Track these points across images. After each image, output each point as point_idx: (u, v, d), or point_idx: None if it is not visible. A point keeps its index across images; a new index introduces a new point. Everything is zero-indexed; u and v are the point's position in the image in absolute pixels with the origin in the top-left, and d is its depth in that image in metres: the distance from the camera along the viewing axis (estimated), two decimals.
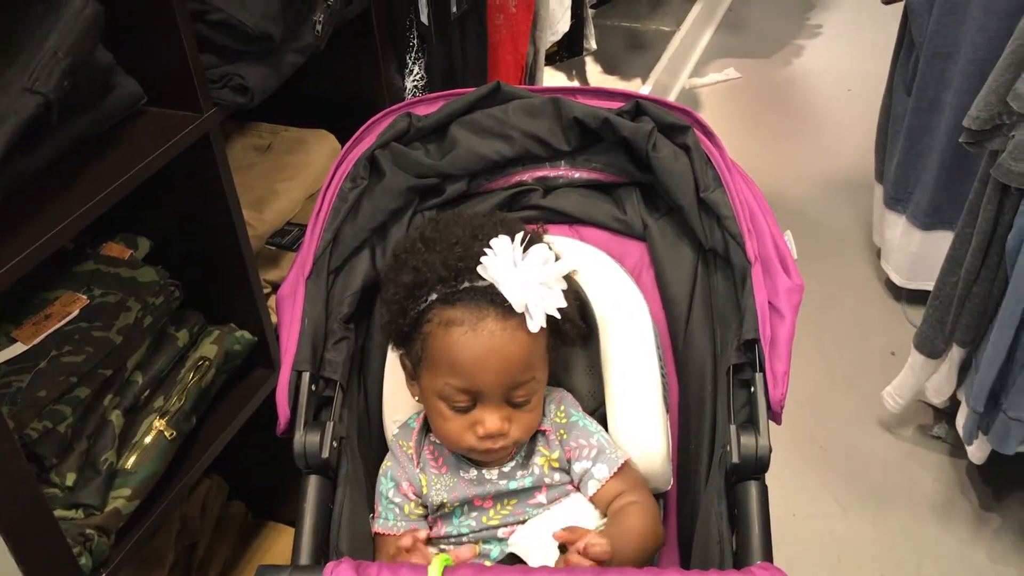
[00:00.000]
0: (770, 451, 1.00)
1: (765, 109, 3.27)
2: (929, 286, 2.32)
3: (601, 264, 1.16)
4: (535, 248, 1.00)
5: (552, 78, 2.89)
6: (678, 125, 1.15)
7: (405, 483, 1.08)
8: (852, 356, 2.33)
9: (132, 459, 1.30)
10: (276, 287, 1.59)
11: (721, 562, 0.98)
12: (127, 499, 1.27)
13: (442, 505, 1.06)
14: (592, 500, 1.06)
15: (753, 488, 0.99)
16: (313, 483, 1.03)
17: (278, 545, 1.73)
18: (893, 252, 2.40)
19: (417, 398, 1.08)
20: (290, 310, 1.11)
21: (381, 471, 1.10)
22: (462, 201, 1.21)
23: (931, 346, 1.86)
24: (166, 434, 1.33)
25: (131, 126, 1.26)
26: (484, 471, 1.06)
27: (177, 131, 1.25)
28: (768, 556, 0.96)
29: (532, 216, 1.20)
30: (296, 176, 1.62)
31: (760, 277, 1.06)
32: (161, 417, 1.34)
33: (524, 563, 0.99)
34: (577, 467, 1.06)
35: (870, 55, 3.22)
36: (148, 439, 1.32)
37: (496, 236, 1.00)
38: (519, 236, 1.00)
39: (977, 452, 1.83)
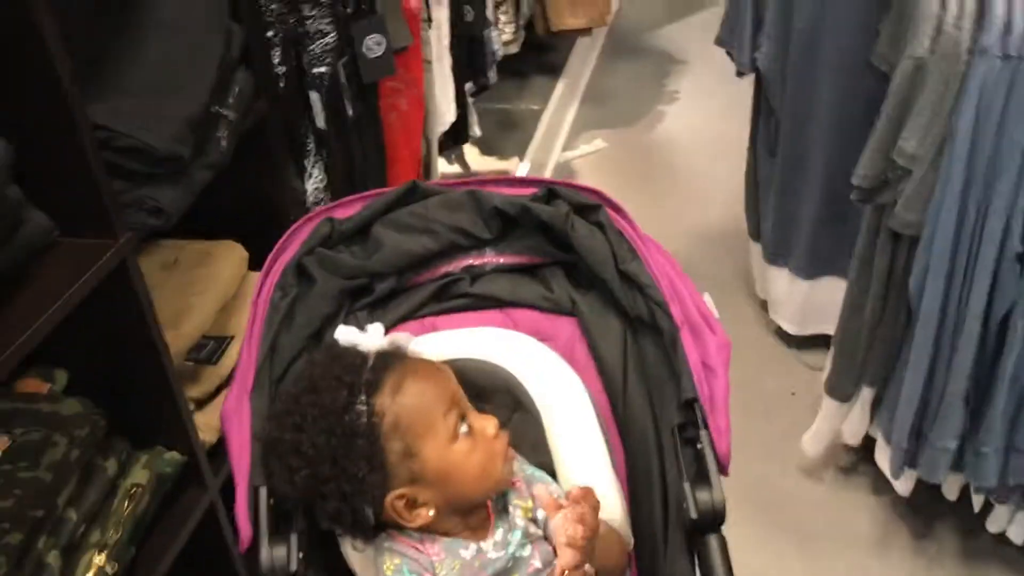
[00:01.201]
0: (724, 503, 1.05)
1: (636, 174, 3.42)
2: (822, 330, 2.45)
3: (532, 351, 1.20)
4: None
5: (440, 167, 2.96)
6: (589, 205, 1.22)
7: (426, 573, 1.05)
8: (756, 402, 2.42)
9: None
10: (198, 403, 1.57)
11: None
12: None
13: None
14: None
15: (714, 541, 1.04)
16: None
17: None
18: (781, 304, 2.49)
19: (432, 512, 1.05)
20: (237, 426, 1.10)
21: (392, 571, 1.05)
22: (393, 298, 1.24)
23: (842, 391, 1.95)
24: (107, 569, 1.29)
25: (45, 259, 1.24)
26: (480, 544, 1.07)
27: (93, 260, 1.24)
28: None
29: (463, 304, 1.24)
30: (208, 289, 1.61)
31: (690, 339, 1.12)
32: (100, 552, 1.29)
33: None
34: (541, 514, 1.10)
35: (726, 114, 3.43)
36: None
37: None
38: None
39: (903, 485, 1.91)
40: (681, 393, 1.09)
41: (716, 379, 1.10)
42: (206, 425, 1.54)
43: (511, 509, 1.10)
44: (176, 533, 1.44)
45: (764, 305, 2.64)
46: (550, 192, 1.22)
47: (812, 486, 2.19)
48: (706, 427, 1.07)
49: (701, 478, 1.07)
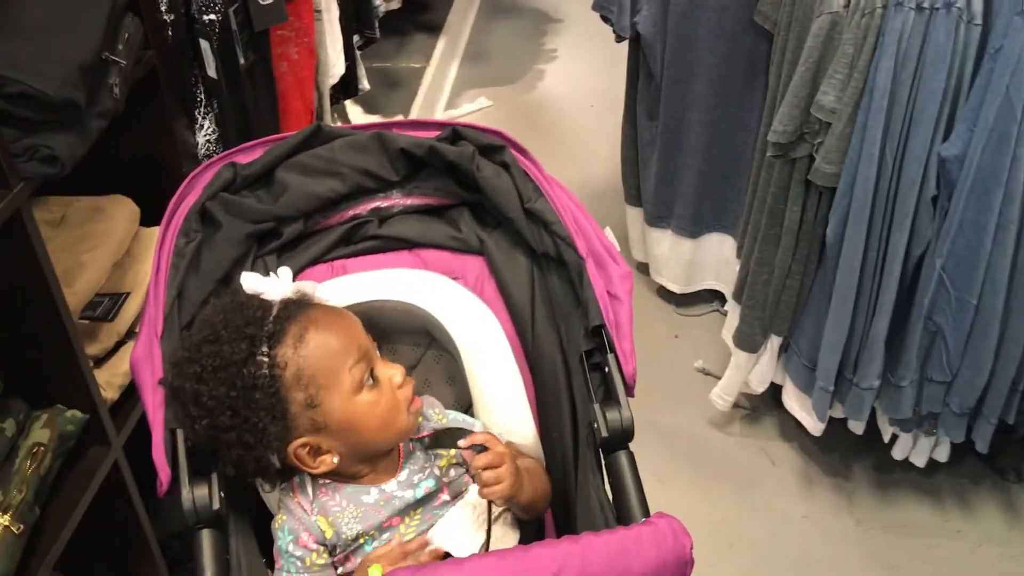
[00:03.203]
0: (632, 421, 1.11)
1: (520, 131, 3.42)
2: (704, 285, 2.55)
3: (445, 289, 1.23)
4: None
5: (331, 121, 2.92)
6: (494, 146, 1.25)
7: (304, 534, 1.07)
8: (646, 346, 2.51)
9: None
10: (97, 360, 1.54)
11: (607, 527, 1.07)
12: None
13: (358, 536, 1.07)
14: None
15: (623, 457, 1.10)
16: (207, 536, 1.02)
17: None
18: (665, 264, 2.55)
19: (336, 459, 1.06)
20: (149, 371, 1.09)
21: (277, 526, 1.09)
22: (301, 241, 1.25)
23: (752, 342, 2.02)
24: (13, 529, 1.26)
25: None
26: (383, 487, 1.09)
27: None
28: (647, 513, 1.06)
29: (372, 246, 1.26)
30: (100, 245, 1.57)
31: (594, 270, 1.17)
32: (4, 512, 1.26)
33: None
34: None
35: (604, 72, 3.51)
36: None
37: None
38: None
39: (817, 426, 2.00)
40: (588, 321, 1.14)
41: (621, 306, 1.16)
42: (106, 383, 1.51)
43: (432, 458, 1.13)
44: (81, 492, 1.41)
45: (641, 267, 2.70)
46: (455, 133, 1.25)
47: (720, 434, 2.27)
48: (613, 351, 1.12)
49: (609, 399, 1.12)
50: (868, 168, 1.66)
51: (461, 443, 1.10)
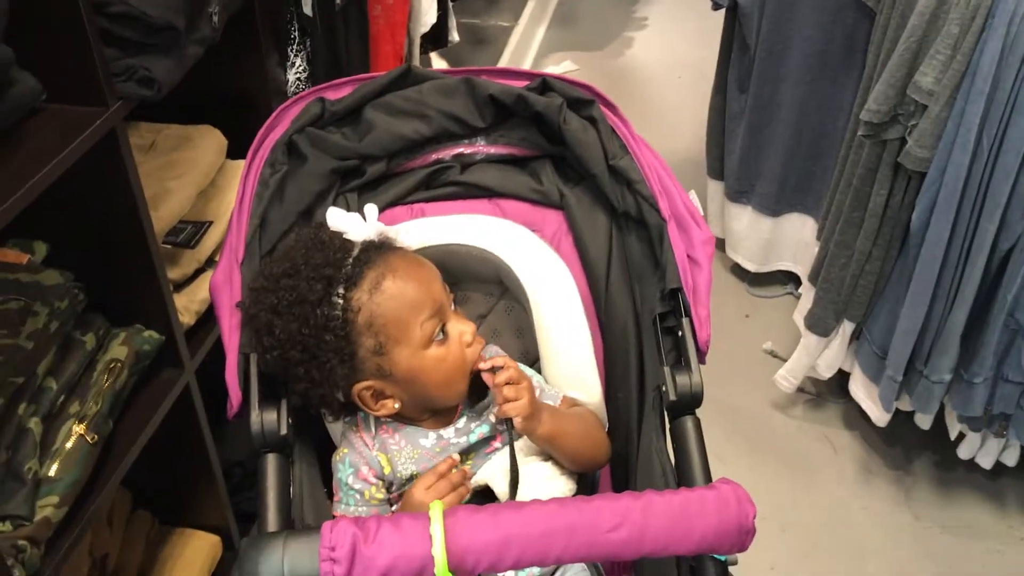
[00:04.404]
0: (702, 386, 1.09)
1: None
2: (780, 266, 2.50)
3: (523, 239, 1.22)
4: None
5: None
6: (583, 99, 1.23)
7: (364, 467, 1.10)
8: (714, 320, 2.48)
9: (55, 466, 1.26)
10: (176, 286, 1.57)
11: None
12: (55, 507, 1.24)
13: (412, 477, 1.10)
14: None
15: (689, 422, 1.08)
16: (272, 461, 1.03)
17: (190, 549, 1.70)
18: (742, 241, 2.51)
19: (398, 404, 1.08)
20: (228, 295, 1.11)
21: (338, 459, 1.12)
22: (383, 181, 1.25)
23: (823, 326, 1.98)
24: (87, 438, 1.30)
25: (31, 124, 1.22)
26: (441, 432, 1.11)
27: (83, 127, 1.22)
28: (710, 480, 1.05)
29: (452, 192, 1.26)
30: (186, 173, 1.60)
31: (675, 232, 1.15)
32: (80, 422, 1.30)
33: (493, 493, 1.08)
34: None
35: (694, 44, 3.45)
36: (69, 444, 1.28)
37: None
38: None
39: (883, 416, 1.97)
40: (666, 283, 1.13)
41: (700, 271, 1.14)
42: (184, 308, 1.54)
43: (491, 407, 1.13)
44: (153, 410, 1.45)
45: (717, 243, 2.64)
46: (544, 84, 1.23)
47: (783, 416, 2.24)
48: (688, 315, 1.11)
49: (680, 363, 1.11)
50: (962, 155, 1.60)
51: (481, 366, 1.09)
